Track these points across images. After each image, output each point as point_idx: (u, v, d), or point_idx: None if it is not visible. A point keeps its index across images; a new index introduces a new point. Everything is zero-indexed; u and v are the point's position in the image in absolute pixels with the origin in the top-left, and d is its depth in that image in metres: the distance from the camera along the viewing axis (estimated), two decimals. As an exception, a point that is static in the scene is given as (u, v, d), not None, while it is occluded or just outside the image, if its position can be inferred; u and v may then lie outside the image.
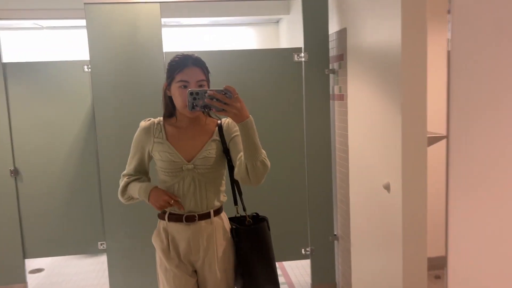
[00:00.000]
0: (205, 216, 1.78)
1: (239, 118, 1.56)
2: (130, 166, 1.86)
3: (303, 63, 3.01)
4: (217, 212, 1.83)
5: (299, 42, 3.07)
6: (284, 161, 3.08)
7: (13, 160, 3.17)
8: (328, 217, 3.14)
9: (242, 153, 1.67)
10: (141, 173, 1.86)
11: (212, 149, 1.76)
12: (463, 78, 1.23)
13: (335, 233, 3.18)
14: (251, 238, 1.83)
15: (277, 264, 3.75)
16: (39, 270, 3.93)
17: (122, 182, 1.86)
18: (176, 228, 1.78)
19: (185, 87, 1.69)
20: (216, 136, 1.79)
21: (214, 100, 1.52)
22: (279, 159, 3.07)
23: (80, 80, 3.13)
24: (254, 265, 1.82)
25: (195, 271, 1.84)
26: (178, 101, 1.73)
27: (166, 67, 1.77)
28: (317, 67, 3.01)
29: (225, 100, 1.52)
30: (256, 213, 1.93)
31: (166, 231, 1.80)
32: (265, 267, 1.84)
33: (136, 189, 1.80)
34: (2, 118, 3.13)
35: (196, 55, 1.76)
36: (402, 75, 2.08)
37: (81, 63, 3.11)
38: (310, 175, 3.10)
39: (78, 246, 3.29)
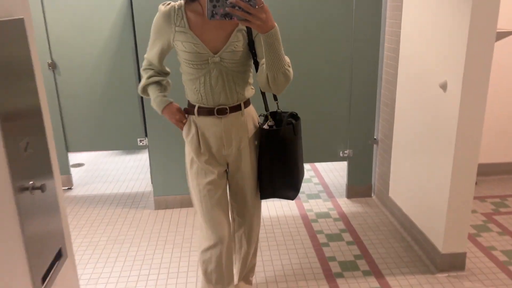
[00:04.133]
0: (236, 108, 1.72)
1: (263, 29, 1.43)
2: (150, 53, 1.74)
3: (356, -50, 2.73)
4: (247, 104, 1.77)
5: None
6: (328, 60, 2.94)
7: (50, 53, 3.12)
8: (369, 120, 3.08)
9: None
10: (162, 60, 1.76)
11: (238, 41, 1.63)
12: None
13: (375, 137, 3.14)
14: (272, 139, 1.76)
15: (310, 166, 3.84)
16: (79, 165, 4.09)
17: (142, 80, 1.78)
18: (207, 122, 1.72)
19: None
20: (242, 26, 1.62)
21: (237, 8, 1.37)
22: (323, 57, 2.94)
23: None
24: (273, 167, 1.79)
25: (225, 170, 1.82)
26: None
27: None
28: (371, -45, 2.73)
29: (248, 10, 1.37)
30: (295, 112, 1.84)
31: (196, 126, 1.74)
32: (285, 171, 1.80)
33: (152, 96, 1.77)
34: (37, 10, 3.02)
35: None
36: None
37: None
38: (355, 76, 2.97)
39: (118, 141, 3.35)
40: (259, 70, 1.64)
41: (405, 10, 2.59)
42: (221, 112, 1.69)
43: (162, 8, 1.66)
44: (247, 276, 2.07)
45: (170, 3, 1.67)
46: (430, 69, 2.32)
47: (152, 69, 1.78)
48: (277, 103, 1.83)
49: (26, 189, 1.07)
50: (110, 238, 2.75)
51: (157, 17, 1.68)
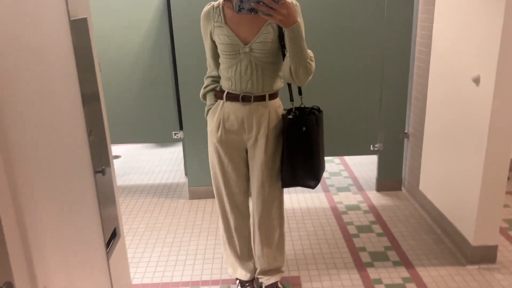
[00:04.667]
0: (261, 98, 1.85)
1: (285, 24, 1.59)
2: (207, 55, 1.93)
3: None
4: (272, 96, 1.88)
5: None
6: (359, 54, 2.98)
7: (91, 50, 3.28)
8: (400, 114, 3.11)
9: None
10: (217, 60, 1.91)
11: (268, 33, 1.75)
12: None
13: (405, 131, 3.16)
14: (295, 129, 1.86)
15: (339, 160, 3.89)
16: (116, 157, 4.27)
17: (202, 88, 1.99)
18: (233, 107, 1.87)
19: None
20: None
21: (261, 4, 1.54)
22: (354, 51, 2.98)
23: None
24: (295, 156, 1.89)
25: (246, 156, 1.97)
26: None
27: None
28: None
29: (271, 5, 1.54)
30: (317, 106, 1.93)
31: (222, 110, 1.89)
32: (306, 160, 1.90)
33: (208, 103, 1.98)
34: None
35: None
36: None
37: None
38: (386, 70, 3.01)
39: (153, 134, 3.49)
40: (284, 62, 1.77)
41: (438, 4, 2.61)
42: (246, 99, 1.84)
43: (204, 9, 1.85)
44: (277, 264, 2.14)
45: (211, 3, 1.84)
46: (463, 63, 2.34)
47: (210, 77, 1.97)
48: (301, 97, 1.94)
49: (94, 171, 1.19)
50: (148, 225, 2.89)
51: (201, 19, 1.86)
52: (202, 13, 1.84)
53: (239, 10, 1.58)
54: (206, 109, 1.99)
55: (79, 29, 1.18)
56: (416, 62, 2.97)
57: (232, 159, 1.94)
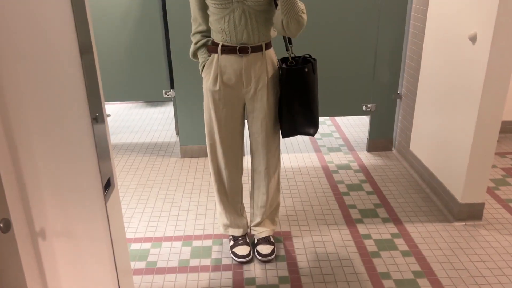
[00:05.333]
0: (257, 48, 1.83)
1: None
2: (192, 10, 1.87)
3: None
4: (268, 46, 1.87)
5: None
6: (354, 14, 2.93)
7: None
8: (394, 75, 3.09)
9: None
10: (204, 13, 1.85)
11: None
12: None
13: (399, 91, 3.16)
14: (293, 78, 1.86)
15: (331, 121, 3.90)
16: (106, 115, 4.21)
17: (192, 46, 1.93)
18: (229, 60, 1.83)
19: None
20: None
21: None
22: (349, 10, 2.92)
23: None
24: (294, 105, 1.90)
25: (243, 109, 1.96)
26: None
27: None
28: None
29: None
30: (308, 55, 1.92)
31: (217, 63, 1.85)
32: (304, 108, 1.91)
33: (201, 60, 1.92)
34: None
35: None
36: None
37: None
38: (381, 30, 2.96)
39: (144, 93, 3.44)
40: (275, 15, 1.75)
41: (438, -39, 2.54)
42: (243, 50, 1.81)
43: None
44: (272, 215, 2.19)
45: None
46: (459, 21, 2.31)
47: (199, 32, 1.89)
48: (291, 47, 1.91)
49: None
50: (140, 182, 2.90)
51: None
52: None
53: None
54: (200, 66, 1.94)
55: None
56: (412, 21, 2.93)
57: (230, 114, 1.92)
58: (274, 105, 1.93)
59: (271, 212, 2.16)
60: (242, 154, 2.05)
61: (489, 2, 2.03)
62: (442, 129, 2.56)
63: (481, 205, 2.37)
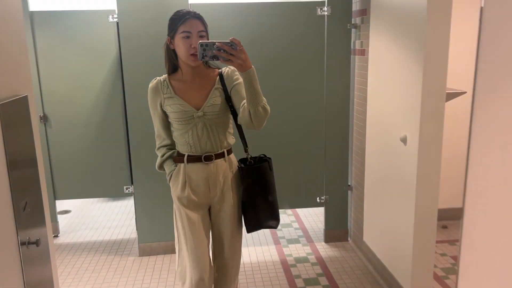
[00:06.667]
0: (221, 155, 1.98)
1: (243, 67, 1.73)
2: (156, 127, 2.04)
3: (326, 17, 3.04)
4: (229, 152, 2.03)
5: (322, -5, 3.08)
6: (304, 114, 3.18)
7: (42, 107, 3.31)
8: (343, 168, 3.29)
9: (245, 100, 1.85)
10: (167, 128, 2.02)
11: (216, 97, 1.92)
12: (495, 35, 1.29)
13: (349, 183, 3.33)
14: (253, 175, 2.01)
15: (291, 211, 3.99)
16: (66, 212, 4.18)
17: (158, 159, 2.07)
18: (195, 168, 1.96)
19: (188, 37, 1.83)
20: (218, 85, 1.95)
21: (222, 51, 1.68)
22: (299, 111, 3.17)
23: (106, 29, 3.20)
24: (256, 200, 2.03)
25: (208, 212, 2.05)
26: (182, 51, 1.86)
27: (168, 22, 1.90)
28: (339, 21, 3.04)
29: (231, 51, 1.68)
30: (263, 155, 2.09)
31: (184, 172, 1.97)
32: (266, 203, 2.04)
33: (167, 171, 2.04)
34: (30, 65, 3.22)
35: (194, 10, 1.90)
36: (427, 31, 2.13)
37: (106, 12, 3.16)
38: (328, 128, 3.21)
39: (104, 189, 3.48)
40: (241, 110, 1.89)
41: (370, 69, 2.86)
42: (208, 158, 1.95)
43: (150, 85, 1.98)
44: None
45: (156, 78, 1.99)
46: (392, 124, 2.56)
47: (164, 146, 2.05)
48: (247, 148, 2.07)
49: (24, 243, 1.22)
50: (95, 286, 2.83)
51: (148, 94, 1.99)
52: (150, 88, 1.96)
53: (203, 57, 1.70)
54: (167, 176, 2.05)
55: (20, 107, 1.25)
56: (355, 120, 3.20)
57: (201, 217, 1.99)
58: (238, 205, 2.04)
59: None
60: (208, 251, 2.06)
61: (413, 110, 2.29)
62: (387, 221, 2.70)
63: (430, 297, 2.44)
